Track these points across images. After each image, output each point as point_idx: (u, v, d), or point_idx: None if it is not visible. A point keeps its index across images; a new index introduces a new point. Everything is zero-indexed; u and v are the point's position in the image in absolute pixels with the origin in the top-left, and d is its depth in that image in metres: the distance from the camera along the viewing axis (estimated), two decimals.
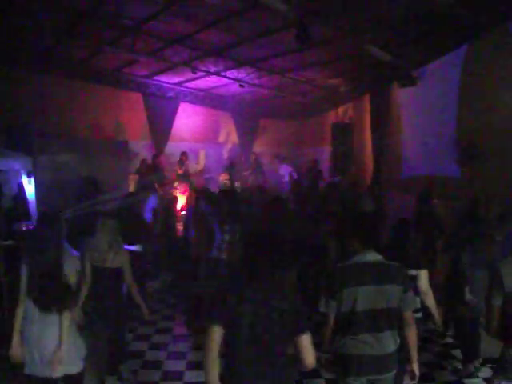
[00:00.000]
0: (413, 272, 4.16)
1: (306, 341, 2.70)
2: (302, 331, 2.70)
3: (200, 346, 5.69)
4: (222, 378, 2.76)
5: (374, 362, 3.24)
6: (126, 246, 6.63)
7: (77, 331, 3.68)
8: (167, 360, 5.49)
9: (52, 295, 3.44)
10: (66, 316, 3.47)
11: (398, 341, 3.31)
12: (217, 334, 2.67)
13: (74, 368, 3.59)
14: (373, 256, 3.30)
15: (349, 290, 3.19)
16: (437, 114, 8.41)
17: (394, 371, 3.35)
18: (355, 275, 3.24)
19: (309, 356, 2.71)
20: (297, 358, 2.75)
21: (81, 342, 3.71)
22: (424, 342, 5.60)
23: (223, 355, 2.75)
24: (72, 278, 3.57)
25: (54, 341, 3.42)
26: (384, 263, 3.31)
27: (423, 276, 4.23)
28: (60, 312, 3.43)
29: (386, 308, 3.22)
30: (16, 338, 3.51)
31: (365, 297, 3.19)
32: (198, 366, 5.30)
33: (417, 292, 4.16)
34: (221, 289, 2.94)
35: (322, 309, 3.31)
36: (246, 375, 2.67)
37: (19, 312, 3.51)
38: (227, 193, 7.43)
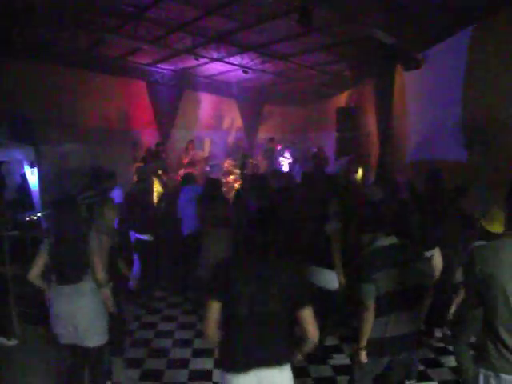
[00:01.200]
0: (427, 254, 4.21)
1: (307, 314, 2.71)
2: (303, 305, 2.71)
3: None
4: (220, 350, 2.88)
5: (401, 341, 3.33)
6: (136, 235, 6.71)
7: (102, 304, 3.87)
8: (173, 348, 5.52)
9: (75, 270, 3.72)
10: (91, 289, 3.78)
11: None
12: (215, 308, 2.72)
13: (104, 339, 3.90)
14: (391, 239, 3.36)
15: (381, 273, 3.22)
16: (442, 97, 8.32)
17: (413, 352, 3.48)
18: (384, 257, 3.29)
19: (311, 329, 2.72)
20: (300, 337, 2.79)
21: (104, 318, 3.92)
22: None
23: (222, 328, 2.80)
24: (94, 252, 3.79)
25: (80, 313, 3.70)
26: (403, 244, 3.38)
27: (437, 254, 4.31)
28: (83, 284, 3.73)
29: (413, 285, 3.29)
30: None
31: (394, 277, 3.23)
32: (204, 353, 5.35)
33: None
34: (220, 264, 2.92)
35: (360, 297, 3.28)
36: (245, 349, 2.70)
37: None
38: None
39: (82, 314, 3.70)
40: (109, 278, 3.94)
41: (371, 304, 3.24)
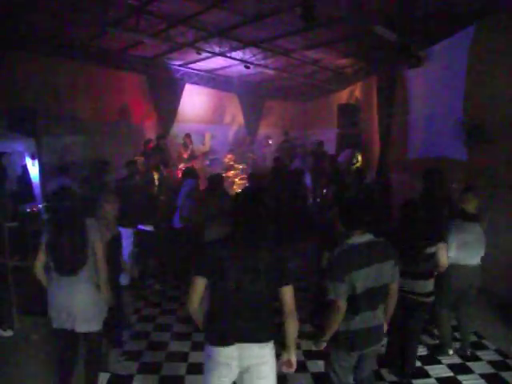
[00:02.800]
0: (432, 249, 4.23)
1: (288, 291, 2.84)
2: (286, 282, 2.84)
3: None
4: (206, 325, 2.96)
5: (370, 335, 3.37)
6: (139, 226, 6.72)
7: (98, 293, 3.90)
8: (172, 341, 5.53)
9: (71, 261, 3.75)
10: (88, 279, 3.83)
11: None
12: (200, 283, 2.83)
13: (95, 326, 3.94)
14: (366, 237, 3.34)
15: (353, 273, 3.21)
16: (444, 94, 8.32)
17: (383, 342, 3.61)
18: (356, 258, 3.26)
19: (290, 304, 2.85)
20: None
21: (102, 304, 3.98)
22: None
23: (209, 304, 2.90)
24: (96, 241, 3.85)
25: (81, 301, 3.79)
26: (378, 242, 3.37)
27: (443, 249, 4.34)
28: (80, 275, 3.77)
29: (383, 285, 3.32)
30: None
31: (366, 277, 3.23)
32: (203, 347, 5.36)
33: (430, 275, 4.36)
34: (209, 245, 3.03)
35: (331, 295, 3.25)
36: (229, 324, 2.81)
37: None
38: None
39: (77, 302, 3.77)
40: (108, 270, 3.96)
41: (343, 304, 3.23)
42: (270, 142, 15.05)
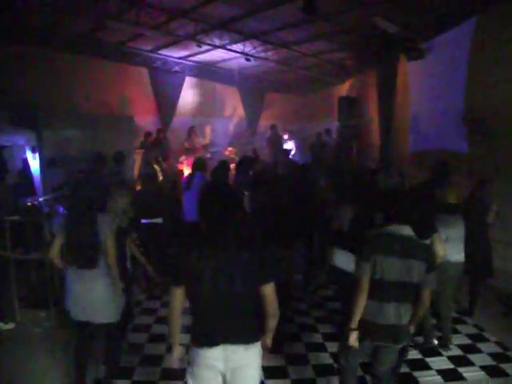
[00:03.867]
0: (427, 241, 4.26)
1: (269, 290, 2.72)
2: (266, 280, 2.71)
3: None
4: (190, 328, 2.89)
5: (391, 330, 3.36)
6: (147, 219, 6.74)
7: (114, 286, 3.95)
8: None
9: (87, 255, 3.79)
10: (106, 272, 3.88)
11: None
12: (178, 294, 2.77)
13: (113, 318, 4.01)
14: (407, 230, 3.34)
15: (377, 257, 3.25)
16: (445, 87, 8.31)
17: (404, 343, 3.51)
18: (385, 245, 3.29)
19: (271, 303, 2.76)
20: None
21: (119, 297, 4.03)
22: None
23: (190, 311, 2.83)
24: (107, 239, 3.87)
25: (98, 294, 3.86)
26: (413, 239, 3.35)
27: (438, 239, 4.38)
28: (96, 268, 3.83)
29: (412, 282, 3.29)
30: None
31: (392, 267, 3.25)
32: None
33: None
34: (182, 250, 2.85)
35: (356, 274, 3.35)
36: (211, 327, 2.75)
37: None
38: None
39: (94, 294, 3.84)
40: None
41: (365, 282, 3.28)
42: (286, 137, 14.88)
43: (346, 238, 4.98)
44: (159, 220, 6.92)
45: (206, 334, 2.77)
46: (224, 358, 2.74)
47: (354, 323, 3.37)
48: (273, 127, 14.33)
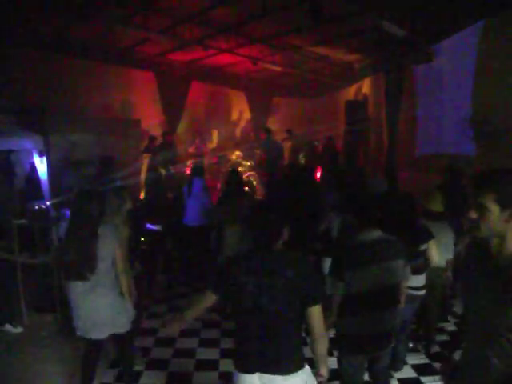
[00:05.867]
0: (424, 246, 4.25)
1: (316, 312, 2.56)
2: (313, 303, 2.55)
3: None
4: (234, 347, 2.79)
5: (377, 339, 3.32)
6: (149, 226, 6.74)
7: (123, 296, 3.84)
8: (180, 338, 5.55)
9: (84, 268, 3.63)
10: (110, 284, 3.75)
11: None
12: (207, 297, 2.72)
13: (122, 329, 3.90)
14: (376, 233, 3.28)
15: (357, 270, 3.17)
16: (452, 90, 8.29)
17: (392, 344, 3.48)
18: (362, 255, 3.21)
19: (318, 327, 2.59)
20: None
21: (129, 305, 3.92)
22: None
23: (235, 327, 2.75)
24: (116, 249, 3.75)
25: (101, 308, 3.72)
26: (388, 239, 3.31)
27: (433, 246, 4.32)
28: (100, 282, 3.69)
29: (391, 284, 3.26)
30: None
31: (372, 276, 3.18)
32: (211, 343, 5.39)
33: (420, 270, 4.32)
34: (228, 259, 2.84)
35: (328, 291, 3.25)
36: (250, 351, 2.62)
37: None
38: None
39: (104, 310, 3.73)
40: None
41: (337, 301, 3.25)
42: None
43: (335, 245, 4.98)
44: (159, 227, 6.93)
45: (244, 359, 2.65)
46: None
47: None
48: (289, 132, 14.28)
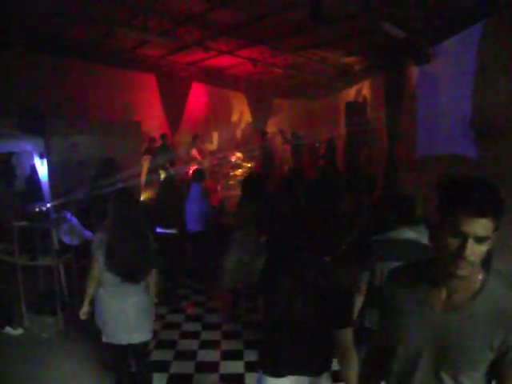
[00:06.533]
0: None
1: (343, 335, 2.47)
2: (344, 324, 2.49)
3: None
4: (261, 349, 2.82)
5: None
6: (161, 229, 6.74)
7: (151, 301, 3.87)
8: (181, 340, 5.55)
9: (138, 267, 3.67)
10: (146, 286, 3.78)
11: None
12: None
13: (147, 336, 3.87)
14: (408, 234, 3.31)
15: (382, 264, 3.21)
16: (452, 92, 8.26)
17: None
18: (389, 250, 3.25)
19: (347, 349, 2.47)
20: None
21: (153, 311, 3.95)
22: None
23: (265, 328, 2.75)
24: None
25: (133, 311, 3.69)
26: (417, 242, 3.31)
27: None
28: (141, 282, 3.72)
29: None
30: (87, 300, 3.81)
31: None
32: (211, 345, 5.39)
33: None
34: (268, 263, 2.87)
35: (358, 282, 3.35)
36: (280, 355, 2.60)
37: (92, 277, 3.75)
38: None
39: (133, 311, 3.69)
40: None
41: (363, 290, 3.33)
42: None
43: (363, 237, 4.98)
44: (173, 230, 6.93)
45: (274, 362, 2.62)
46: None
47: None
48: (281, 132, 14.27)
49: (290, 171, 10.53)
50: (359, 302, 3.35)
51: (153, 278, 3.85)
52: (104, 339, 3.77)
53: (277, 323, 2.59)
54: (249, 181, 6.44)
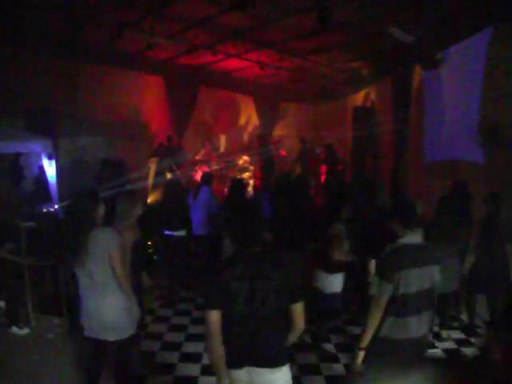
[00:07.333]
0: None
1: (299, 308, 2.76)
2: (297, 300, 2.75)
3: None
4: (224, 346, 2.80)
5: (414, 344, 3.26)
6: (169, 232, 6.76)
7: (129, 299, 3.82)
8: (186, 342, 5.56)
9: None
10: (117, 286, 3.71)
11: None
12: (215, 317, 2.67)
13: (126, 333, 3.84)
14: (415, 238, 3.30)
15: (403, 272, 3.14)
16: (460, 97, 8.24)
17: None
18: (408, 257, 3.21)
19: (300, 321, 2.79)
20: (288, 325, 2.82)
21: (135, 308, 3.91)
22: None
23: (222, 332, 2.75)
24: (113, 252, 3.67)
25: (110, 310, 3.68)
26: (427, 245, 3.38)
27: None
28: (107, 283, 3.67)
29: (429, 288, 3.25)
30: None
31: (415, 278, 3.17)
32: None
33: None
34: (215, 269, 2.81)
35: (373, 292, 3.23)
36: (239, 347, 2.73)
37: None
38: None
39: (107, 311, 3.67)
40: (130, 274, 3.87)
41: (384, 303, 3.18)
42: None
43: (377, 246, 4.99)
44: (182, 232, 6.95)
45: (233, 356, 2.75)
46: (249, 381, 2.74)
47: (365, 342, 3.26)
48: (302, 141, 14.21)
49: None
50: (380, 314, 3.22)
51: (122, 278, 3.72)
52: (86, 333, 3.81)
53: (235, 324, 2.70)
54: (234, 185, 6.87)
